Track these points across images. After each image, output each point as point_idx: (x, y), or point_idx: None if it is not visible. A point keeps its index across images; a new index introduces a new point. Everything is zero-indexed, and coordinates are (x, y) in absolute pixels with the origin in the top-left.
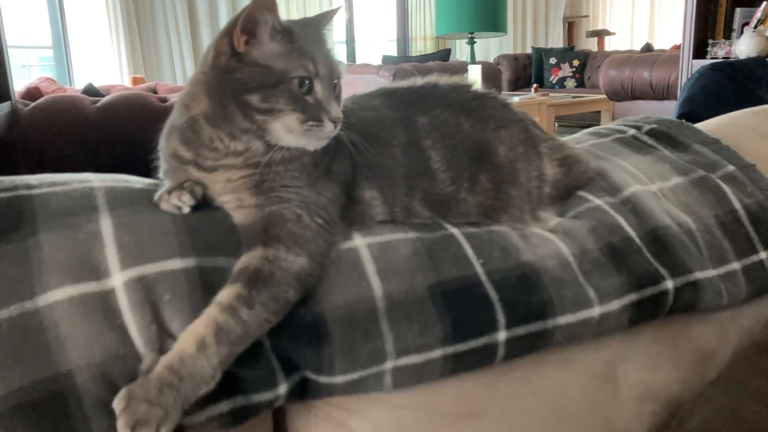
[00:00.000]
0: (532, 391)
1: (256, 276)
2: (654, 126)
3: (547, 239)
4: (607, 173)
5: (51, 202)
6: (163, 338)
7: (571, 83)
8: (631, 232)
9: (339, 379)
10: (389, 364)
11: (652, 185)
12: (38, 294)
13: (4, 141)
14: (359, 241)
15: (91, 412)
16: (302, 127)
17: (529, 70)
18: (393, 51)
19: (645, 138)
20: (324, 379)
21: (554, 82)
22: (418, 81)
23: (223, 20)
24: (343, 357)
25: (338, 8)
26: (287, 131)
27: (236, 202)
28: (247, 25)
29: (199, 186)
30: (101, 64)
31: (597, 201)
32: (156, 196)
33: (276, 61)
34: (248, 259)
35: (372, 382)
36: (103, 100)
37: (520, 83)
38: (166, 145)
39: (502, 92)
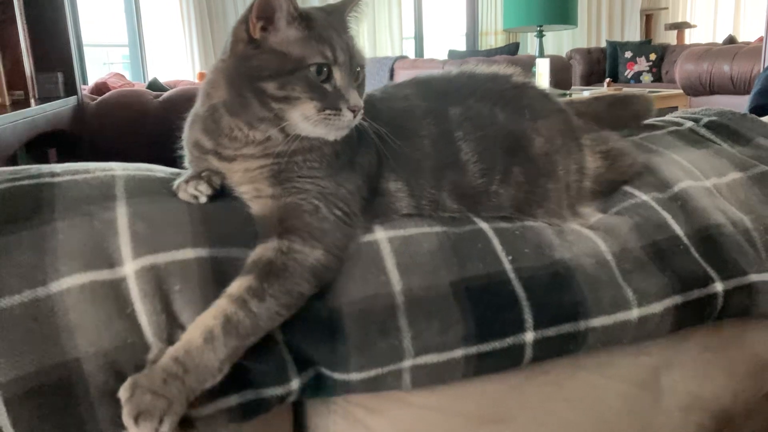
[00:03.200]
0: (565, 397)
1: (268, 268)
2: (714, 118)
3: (585, 236)
4: (656, 167)
5: (71, 190)
6: (172, 328)
7: (647, 78)
8: (679, 231)
9: (354, 376)
10: (408, 363)
11: (707, 181)
12: (51, 281)
13: (70, 133)
14: (380, 235)
15: (97, 400)
16: (319, 115)
17: (603, 65)
18: (462, 46)
19: (703, 131)
20: (339, 376)
21: (629, 76)
22: (454, 70)
23: None
24: (358, 353)
25: (355, 0)
26: (304, 120)
27: (254, 192)
28: (262, 11)
29: (218, 176)
30: (174, 61)
31: (643, 197)
32: (174, 185)
33: (293, 47)
34: (262, 250)
35: (390, 381)
36: (165, 94)
37: (593, 78)
38: (189, 134)
39: (573, 87)
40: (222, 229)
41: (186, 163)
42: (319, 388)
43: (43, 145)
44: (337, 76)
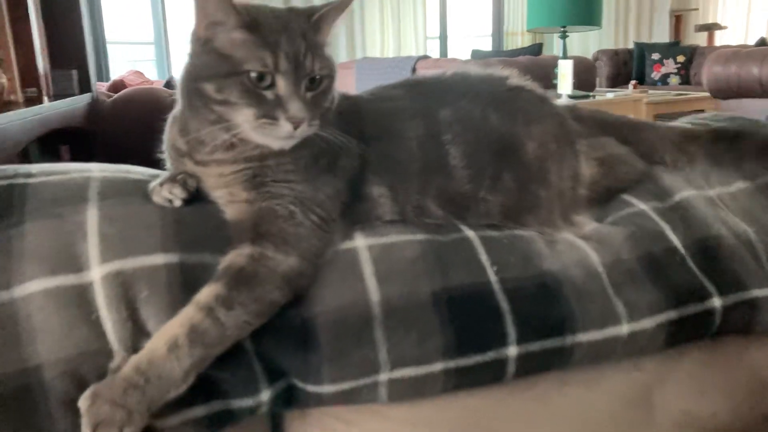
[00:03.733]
0: (552, 412)
1: (238, 275)
2: (723, 125)
3: (576, 246)
4: (657, 175)
5: (44, 192)
6: (138, 336)
7: (675, 80)
8: (676, 242)
9: (328, 388)
10: (384, 376)
11: (710, 190)
12: (15, 285)
13: (83, 130)
14: (360, 242)
15: (57, 410)
16: (256, 122)
17: (630, 66)
18: (488, 46)
19: None
20: (312, 388)
21: (657, 78)
22: (449, 71)
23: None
24: (331, 365)
25: (335, 5)
26: (246, 125)
27: (228, 197)
28: (202, 10)
29: (193, 179)
30: None
31: (641, 205)
32: (150, 188)
33: (235, 50)
34: (233, 256)
35: (365, 394)
36: None
37: (620, 80)
38: (168, 135)
39: (597, 89)
40: (194, 233)
41: (167, 165)
42: (291, 399)
43: (57, 141)
44: (280, 84)
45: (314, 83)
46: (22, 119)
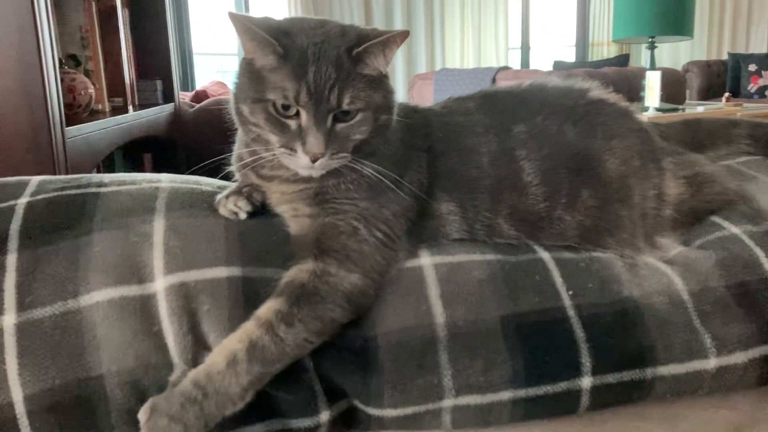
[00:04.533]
0: None
1: (299, 291)
2: None
3: (660, 271)
4: (751, 196)
5: (113, 202)
6: (198, 350)
7: None
8: None
9: (389, 412)
10: (448, 402)
11: None
12: (82, 294)
13: (166, 139)
14: (426, 260)
15: (117, 420)
16: (279, 150)
17: (723, 78)
18: (572, 57)
19: None
20: (372, 411)
21: (753, 91)
22: (525, 83)
23: (398, 15)
24: (393, 389)
25: (385, 38)
26: (276, 150)
27: (292, 212)
28: (245, 36)
29: (259, 193)
30: None
31: (733, 229)
32: (216, 200)
33: (267, 76)
34: (296, 272)
35: (428, 420)
36: None
37: (712, 92)
38: (237, 147)
39: (687, 102)
40: (258, 247)
41: (236, 177)
42: (352, 422)
43: (140, 149)
44: (303, 116)
45: (347, 115)
46: (106, 128)
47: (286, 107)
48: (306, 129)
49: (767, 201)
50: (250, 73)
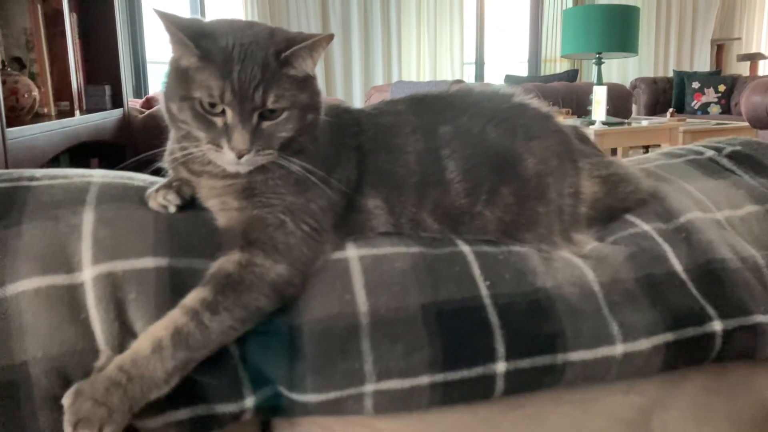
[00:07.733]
0: None
1: (226, 280)
2: (738, 148)
3: (573, 264)
4: (663, 196)
5: (44, 194)
6: (125, 337)
7: (715, 110)
8: (677, 265)
9: (312, 397)
10: (369, 387)
11: (718, 213)
12: (8, 283)
13: (114, 143)
14: (351, 252)
15: (41, 406)
16: (206, 146)
17: (669, 95)
18: (525, 72)
19: (724, 161)
20: (297, 396)
21: (696, 107)
22: (453, 88)
23: (355, 28)
24: (316, 374)
25: (311, 42)
26: (203, 147)
27: (221, 206)
28: (169, 38)
29: (189, 187)
30: None
31: (645, 226)
32: (146, 194)
33: (192, 75)
34: (222, 262)
35: (351, 405)
36: None
37: (658, 108)
38: (169, 145)
39: (633, 116)
40: (186, 239)
41: (168, 173)
42: (277, 407)
43: (88, 154)
44: (228, 114)
45: (273, 113)
46: (51, 131)
47: (212, 105)
48: (231, 126)
49: (678, 200)
50: (177, 71)
